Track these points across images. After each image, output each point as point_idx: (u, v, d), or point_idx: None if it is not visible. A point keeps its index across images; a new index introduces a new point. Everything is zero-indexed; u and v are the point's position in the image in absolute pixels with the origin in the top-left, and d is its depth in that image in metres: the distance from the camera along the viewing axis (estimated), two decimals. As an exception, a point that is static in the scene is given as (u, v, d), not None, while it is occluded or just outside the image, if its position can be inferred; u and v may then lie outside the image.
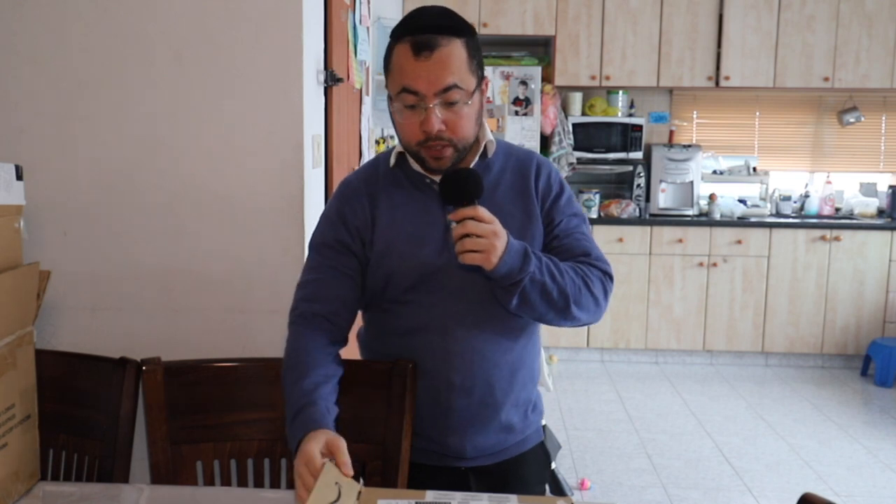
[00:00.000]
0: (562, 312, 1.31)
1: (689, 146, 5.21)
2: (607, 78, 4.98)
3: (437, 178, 1.34)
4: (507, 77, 4.77)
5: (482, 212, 1.20)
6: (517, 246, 1.24)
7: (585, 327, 4.91)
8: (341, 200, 1.42)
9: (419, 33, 1.27)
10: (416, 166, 1.39)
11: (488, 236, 1.19)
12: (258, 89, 1.73)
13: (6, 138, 1.75)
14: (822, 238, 4.84)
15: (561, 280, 1.29)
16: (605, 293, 1.36)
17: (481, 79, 1.34)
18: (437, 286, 1.36)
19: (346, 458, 1.13)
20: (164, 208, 1.77)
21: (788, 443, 3.73)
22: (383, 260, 1.37)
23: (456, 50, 1.27)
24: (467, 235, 1.19)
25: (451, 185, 1.23)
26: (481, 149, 1.40)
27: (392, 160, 1.42)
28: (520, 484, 1.45)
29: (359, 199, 1.40)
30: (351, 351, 2.56)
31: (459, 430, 1.39)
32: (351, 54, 2.54)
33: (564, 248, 1.37)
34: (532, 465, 1.48)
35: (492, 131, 1.48)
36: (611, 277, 1.38)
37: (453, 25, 1.29)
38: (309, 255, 1.43)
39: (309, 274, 1.40)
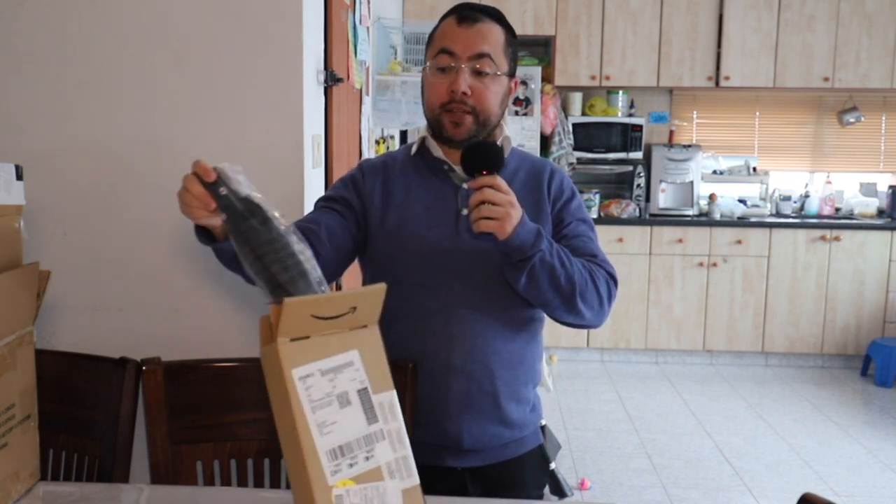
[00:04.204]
0: (567, 302, 1.31)
1: (689, 146, 5.21)
2: (607, 78, 4.98)
3: (457, 168, 1.38)
4: (507, 77, 4.77)
5: (501, 182, 1.23)
6: (531, 224, 1.27)
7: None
8: (358, 169, 1.50)
9: (468, 10, 1.40)
10: (436, 152, 1.43)
11: (505, 205, 1.22)
12: (258, 89, 1.73)
13: (6, 138, 1.75)
14: (822, 238, 4.84)
15: (570, 268, 1.30)
16: (610, 295, 1.37)
17: (513, 73, 1.44)
18: (444, 269, 1.38)
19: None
20: (164, 208, 1.77)
21: (788, 443, 3.73)
22: (393, 237, 1.40)
23: (495, 30, 1.40)
24: (484, 203, 1.21)
25: (472, 154, 1.27)
26: (498, 143, 1.43)
27: (415, 147, 1.47)
28: (517, 487, 1.45)
29: (375, 174, 1.47)
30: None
31: (456, 415, 1.38)
32: (351, 54, 2.54)
33: (571, 248, 1.38)
34: (529, 469, 1.48)
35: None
36: (616, 281, 1.39)
37: (499, 17, 1.42)
38: None
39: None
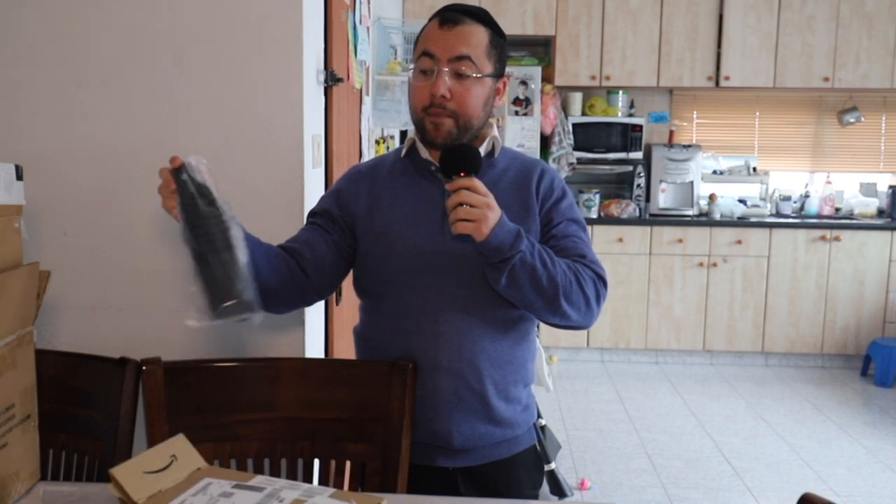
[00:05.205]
0: (550, 303, 1.31)
1: (689, 146, 5.21)
2: (607, 78, 4.98)
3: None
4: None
5: (478, 184, 1.24)
6: (511, 225, 1.27)
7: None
8: (343, 179, 1.52)
9: (450, 13, 1.39)
10: (424, 154, 1.44)
11: (481, 207, 1.22)
12: (258, 89, 1.73)
13: (6, 138, 1.75)
14: (822, 238, 4.84)
15: (552, 269, 1.30)
16: (598, 296, 1.37)
17: (499, 74, 1.43)
18: (432, 269, 1.38)
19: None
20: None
21: (788, 443, 3.73)
22: (381, 238, 1.41)
23: (478, 32, 1.38)
24: (461, 205, 1.22)
25: (450, 156, 1.28)
26: (486, 144, 1.43)
27: (404, 149, 1.48)
28: (511, 487, 1.45)
29: (361, 180, 1.49)
30: (349, 351, 2.55)
31: (445, 414, 1.39)
32: (351, 54, 2.54)
33: (560, 249, 1.38)
34: (523, 469, 1.47)
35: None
36: (605, 283, 1.39)
37: (484, 18, 1.41)
38: None
39: None
